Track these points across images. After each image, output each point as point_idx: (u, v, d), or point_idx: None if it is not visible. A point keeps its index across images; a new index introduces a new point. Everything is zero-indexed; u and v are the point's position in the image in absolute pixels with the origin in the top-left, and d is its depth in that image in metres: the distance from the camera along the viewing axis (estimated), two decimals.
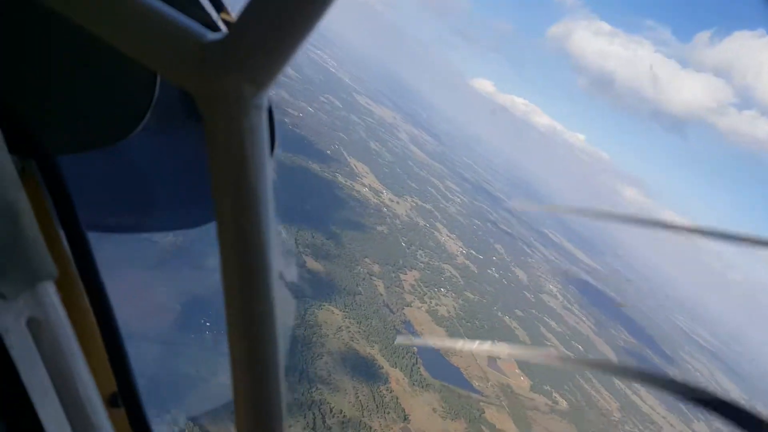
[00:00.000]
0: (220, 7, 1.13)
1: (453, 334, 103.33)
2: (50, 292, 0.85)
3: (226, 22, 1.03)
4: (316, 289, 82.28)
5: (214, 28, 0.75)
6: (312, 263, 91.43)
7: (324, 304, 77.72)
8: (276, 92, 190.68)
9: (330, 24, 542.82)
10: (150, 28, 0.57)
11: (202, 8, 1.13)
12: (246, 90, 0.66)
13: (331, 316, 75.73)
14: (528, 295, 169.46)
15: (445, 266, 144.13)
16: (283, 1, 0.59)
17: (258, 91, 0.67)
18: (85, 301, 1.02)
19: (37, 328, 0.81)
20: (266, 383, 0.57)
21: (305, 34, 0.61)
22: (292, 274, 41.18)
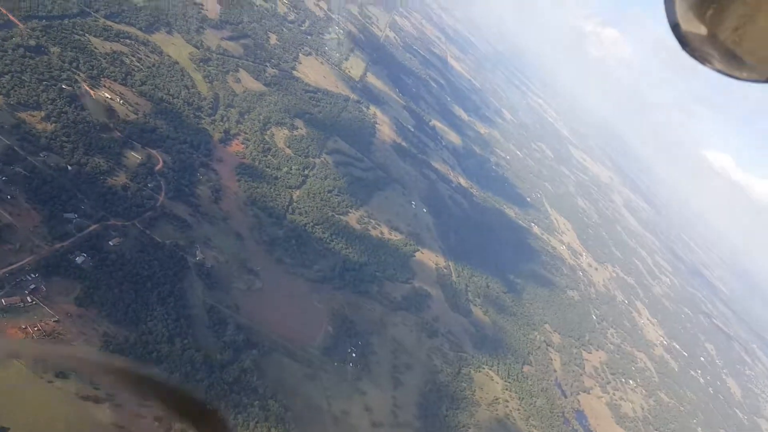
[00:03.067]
0: None
1: None
2: None
3: None
4: (478, 345, 74.09)
5: None
6: (479, 314, 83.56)
7: (483, 366, 69.16)
8: (489, 131, 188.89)
9: (557, 76, 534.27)
10: None
11: None
12: None
13: (489, 383, 66.90)
14: (740, 414, 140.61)
15: (640, 355, 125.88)
16: None
17: None
18: None
19: None
20: None
21: None
22: None
